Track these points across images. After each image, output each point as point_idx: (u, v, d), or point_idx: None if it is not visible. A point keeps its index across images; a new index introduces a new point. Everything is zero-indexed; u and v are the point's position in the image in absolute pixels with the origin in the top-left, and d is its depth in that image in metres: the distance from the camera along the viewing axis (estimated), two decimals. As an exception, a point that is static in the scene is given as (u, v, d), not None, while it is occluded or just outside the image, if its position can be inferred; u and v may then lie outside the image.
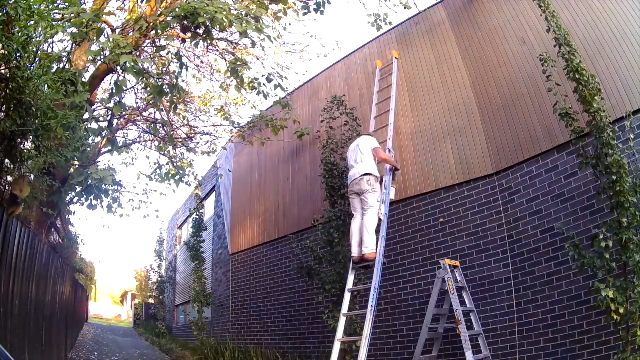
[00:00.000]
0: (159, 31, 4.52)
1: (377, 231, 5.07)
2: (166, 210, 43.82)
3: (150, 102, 7.48)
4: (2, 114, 3.34)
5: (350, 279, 5.23)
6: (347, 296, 5.15)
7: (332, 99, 7.05)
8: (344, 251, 5.89)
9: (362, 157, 5.27)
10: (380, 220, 5.11)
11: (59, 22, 4.13)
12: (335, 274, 5.89)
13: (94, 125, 6.11)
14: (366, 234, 4.98)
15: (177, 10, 4.23)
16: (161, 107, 7.16)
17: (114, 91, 4.85)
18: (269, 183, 9.37)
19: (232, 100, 8.64)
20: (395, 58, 7.06)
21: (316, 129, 7.89)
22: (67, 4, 4.32)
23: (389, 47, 7.32)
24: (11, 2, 3.19)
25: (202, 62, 8.15)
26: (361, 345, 4.47)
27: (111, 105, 7.05)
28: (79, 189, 5.20)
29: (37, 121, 3.41)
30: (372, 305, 4.66)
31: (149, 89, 5.86)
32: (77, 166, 5.50)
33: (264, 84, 6.37)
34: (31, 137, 3.50)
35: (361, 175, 5.14)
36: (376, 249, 4.96)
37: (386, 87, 6.90)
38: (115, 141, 7.54)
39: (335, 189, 6.35)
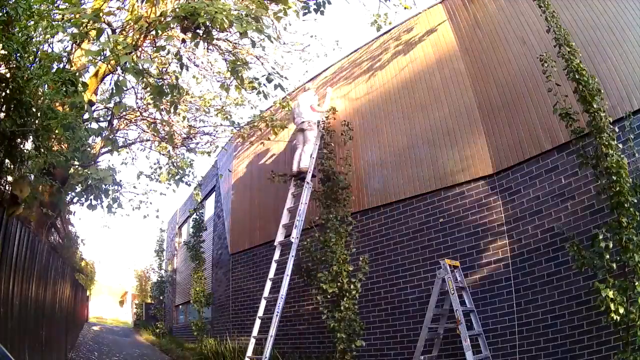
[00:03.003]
0: (159, 31, 4.52)
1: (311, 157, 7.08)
2: (166, 210, 43.78)
3: (150, 102, 7.48)
4: (2, 114, 3.34)
5: (290, 193, 7.28)
6: (269, 284, 6.68)
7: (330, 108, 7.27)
8: (341, 251, 5.92)
9: (303, 110, 7.39)
10: (314, 147, 7.17)
11: (59, 22, 4.12)
12: (332, 274, 5.89)
13: (94, 125, 6.10)
14: (303, 155, 7.15)
15: (177, 10, 4.23)
16: (162, 108, 7.15)
17: (114, 91, 4.84)
18: (269, 183, 9.35)
19: (233, 100, 8.63)
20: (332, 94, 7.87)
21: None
22: (67, 4, 4.32)
23: (389, 47, 7.32)
24: (11, 2, 3.18)
25: (202, 62, 8.15)
26: (266, 343, 5.83)
27: (111, 105, 7.05)
28: (79, 189, 5.20)
29: (37, 121, 3.41)
30: (277, 312, 6.02)
31: (149, 89, 5.85)
32: (77, 166, 5.49)
33: (264, 84, 6.37)
34: (31, 137, 3.50)
35: (303, 121, 7.30)
36: (309, 166, 6.95)
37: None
38: (115, 141, 7.54)
39: (330, 193, 6.42)
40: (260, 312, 6.54)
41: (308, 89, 7.80)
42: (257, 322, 6.50)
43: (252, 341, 6.41)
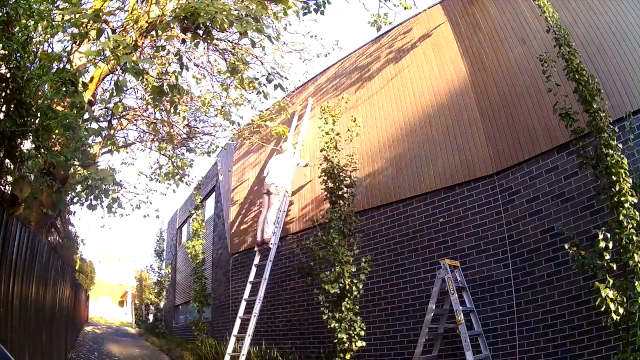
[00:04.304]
0: (159, 31, 4.51)
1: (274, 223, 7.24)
2: (166, 210, 43.78)
3: (150, 102, 7.47)
4: (2, 114, 3.33)
5: (257, 258, 7.51)
6: (249, 287, 7.31)
7: (325, 105, 7.15)
8: (343, 252, 5.89)
9: (274, 172, 7.39)
10: (277, 213, 7.27)
11: (59, 22, 4.12)
12: (335, 274, 5.88)
13: (94, 125, 6.09)
14: (266, 224, 7.20)
15: (177, 10, 4.23)
16: (162, 108, 7.15)
17: (114, 91, 4.84)
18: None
19: (233, 100, 8.63)
20: (311, 106, 8.03)
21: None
22: (67, 4, 4.31)
23: (389, 47, 7.32)
24: (11, 2, 3.18)
25: (202, 62, 8.14)
26: (245, 341, 6.43)
27: (111, 105, 7.04)
28: (79, 189, 5.19)
29: (37, 121, 3.41)
30: (255, 313, 6.59)
31: (149, 88, 5.86)
32: (77, 166, 5.49)
33: (264, 84, 6.37)
34: (31, 137, 3.49)
35: (270, 183, 7.31)
36: (272, 236, 7.18)
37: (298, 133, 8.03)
38: (115, 141, 7.55)
39: (334, 189, 6.34)
40: (246, 295, 7.15)
41: (283, 149, 7.82)
42: (242, 306, 7.12)
43: (232, 339, 6.92)
